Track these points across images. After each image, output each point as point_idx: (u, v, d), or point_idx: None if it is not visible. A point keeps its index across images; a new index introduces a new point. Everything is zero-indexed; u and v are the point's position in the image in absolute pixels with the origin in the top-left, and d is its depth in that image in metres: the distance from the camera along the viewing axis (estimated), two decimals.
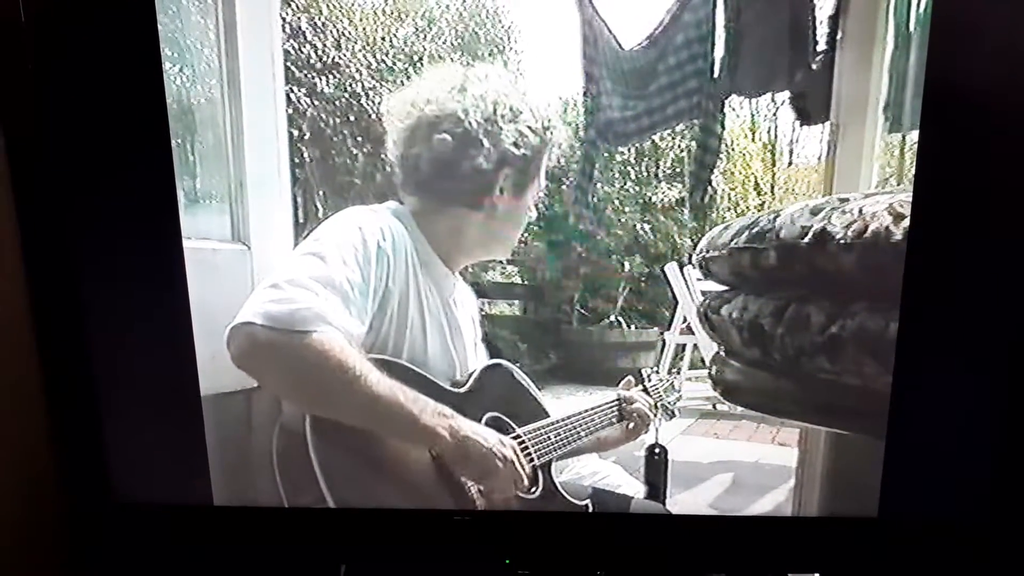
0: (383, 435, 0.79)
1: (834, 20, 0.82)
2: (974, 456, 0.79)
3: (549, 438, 0.88)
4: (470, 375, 0.87)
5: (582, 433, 0.91)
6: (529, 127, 0.83)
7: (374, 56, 0.88)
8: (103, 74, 0.72)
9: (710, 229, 0.95)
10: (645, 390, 0.97)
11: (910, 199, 0.73)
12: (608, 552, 0.87)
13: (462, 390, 0.85)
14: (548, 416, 0.90)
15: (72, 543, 0.85)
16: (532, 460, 0.85)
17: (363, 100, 0.89)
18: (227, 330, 0.73)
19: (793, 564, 0.88)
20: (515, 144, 0.83)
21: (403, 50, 0.88)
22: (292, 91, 0.86)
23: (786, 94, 0.88)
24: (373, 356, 0.78)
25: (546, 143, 0.86)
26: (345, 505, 0.78)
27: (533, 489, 0.85)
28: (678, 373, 1.07)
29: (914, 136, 0.73)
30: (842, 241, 0.76)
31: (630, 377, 0.97)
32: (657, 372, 1.01)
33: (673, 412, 1.00)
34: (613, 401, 0.95)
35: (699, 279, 1.00)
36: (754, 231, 0.84)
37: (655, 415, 0.96)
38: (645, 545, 0.86)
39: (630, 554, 0.86)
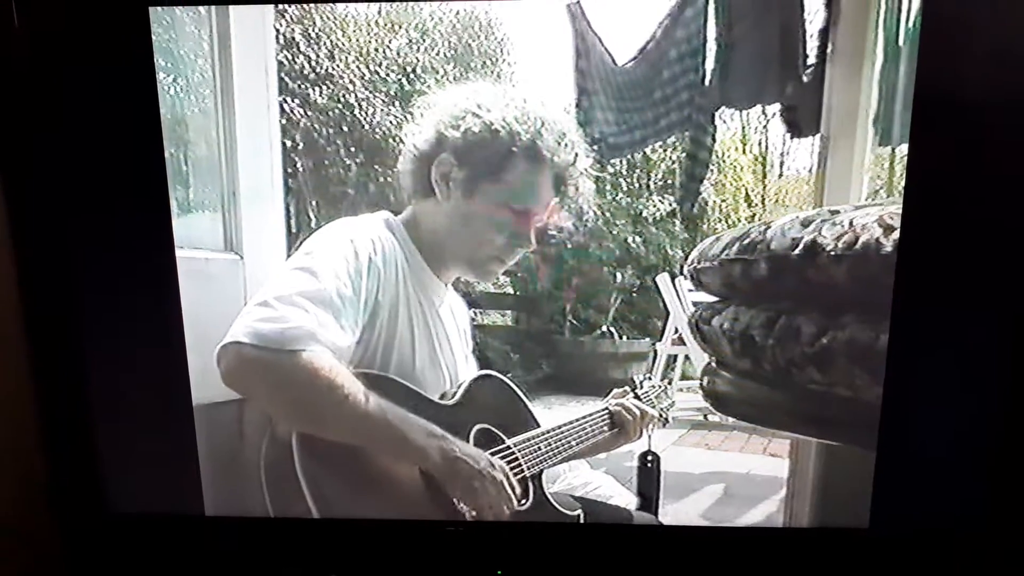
0: (372, 453, 0.78)
1: (824, 34, 0.83)
2: (964, 467, 0.79)
3: (540, 448, 0.87)
4: (459, 387, 0.87)
5: (573, 443, 0.90)
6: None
7: (367, 67, 0.89)
8: (97, 84, 0.73)
9: (701, 240, 0.95)
10: (637, 397, 0.97)
11: (900, 211, 0.73)
12: (599, 563, 0.86)
13: (451, 403, 0.85)
14: (539, 426, 0.89)
15: (65, 555, 0.85)
16: (522, 472, 0.85)
17: (356, 111, 0.89)
18: (217, 349, 0.72)
19: (784, 575, 0.88)
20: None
21: (396, 61, 0.88)
22: (286, 102, 0.86)
23: (777, 107, 0.89)
24: (361, 370, 0.78)
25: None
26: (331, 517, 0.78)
27: (524, 501, 0.85)
28: (669, 383, 1.07)
29: (904, 149, 0.74)
30: (832, 253, 0.76)
31: (626, 388, 0.97)
32: (650, 379, 1.01)
33: (666, 419, 1.00)
34: (604, 410, 0.94)
35: (690, 290, 1.00)
36: (745, 242, 0.85)
37: (647, 423, 0.96)
38: (636, 556, 0.86)
39: (621, 565, 0.86)
